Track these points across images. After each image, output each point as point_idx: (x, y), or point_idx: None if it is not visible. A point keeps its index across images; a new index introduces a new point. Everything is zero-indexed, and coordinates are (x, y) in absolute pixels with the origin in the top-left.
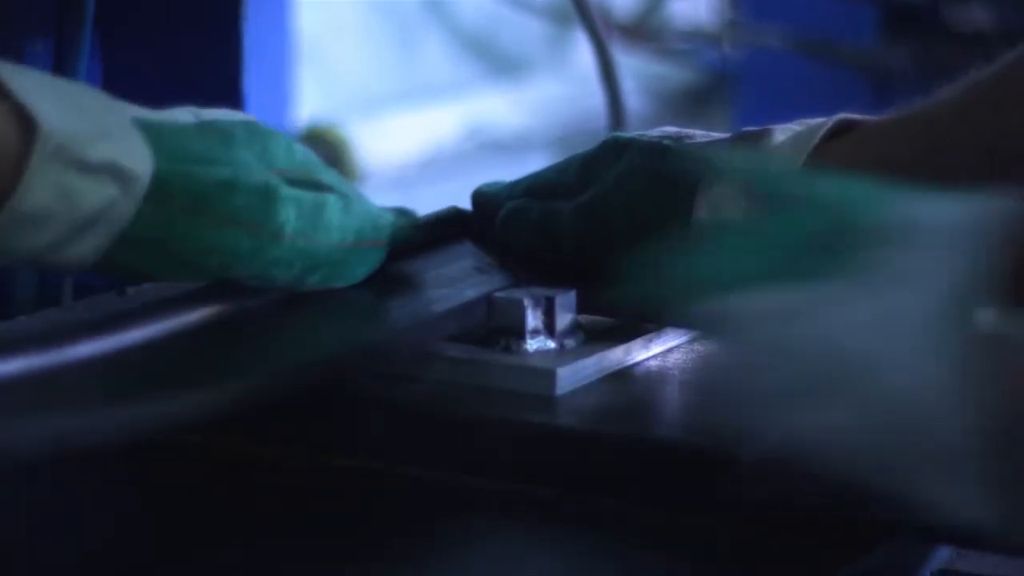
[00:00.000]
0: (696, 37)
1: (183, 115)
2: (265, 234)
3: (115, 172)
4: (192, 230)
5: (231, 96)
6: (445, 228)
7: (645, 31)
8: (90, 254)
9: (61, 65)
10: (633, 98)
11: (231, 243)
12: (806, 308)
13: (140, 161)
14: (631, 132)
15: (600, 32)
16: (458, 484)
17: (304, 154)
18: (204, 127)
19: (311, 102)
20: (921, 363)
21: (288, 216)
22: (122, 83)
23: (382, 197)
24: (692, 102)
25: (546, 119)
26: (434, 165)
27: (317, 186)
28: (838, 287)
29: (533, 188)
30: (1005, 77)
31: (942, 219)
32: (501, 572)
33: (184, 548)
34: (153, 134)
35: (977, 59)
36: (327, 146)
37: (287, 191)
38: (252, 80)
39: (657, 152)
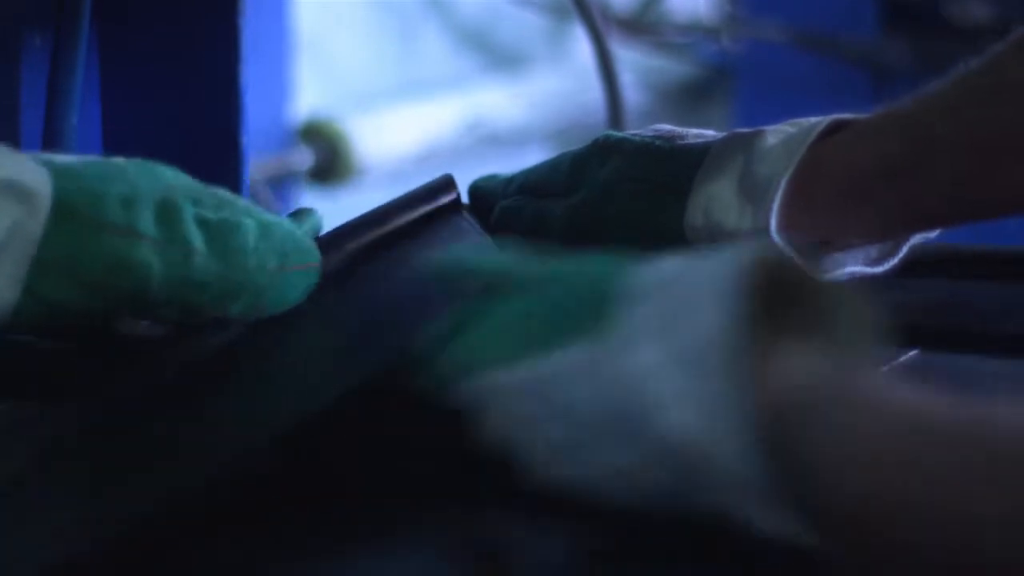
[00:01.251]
0: (695, 31)
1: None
2: (174, 251)
3: (14, 191)
4: (100, 247)
5: (229, 90)
6: (439, 197)
7: (643, 25)
8: (7, 288)
9: (59, 59)
10: (632, 92)
11: (140, 259)
12: (569, 371)
13: (37, 179)
14: (624, 131)
15: (599, 26)
16: (454, 476)
17: (204, 185)
18: (89, 160)
19: (309, 96)
20: (686, 402)
21: (193, 231)
22: (120, 78)
23: (381, 191)
24: (691, 96)
25: (545, 113)
26: (433, 159)
27: (226, 210)
28: (595, 348)
29: (526, 186)
30: (996, 70)
31: (680, 274)
32: (499, 565)
33: (178, 541)
34: (42, 161)
35: (976, 53)
36: (325, 140)
37: (190, 207)
38: (250, 74)
39: (645, 156)
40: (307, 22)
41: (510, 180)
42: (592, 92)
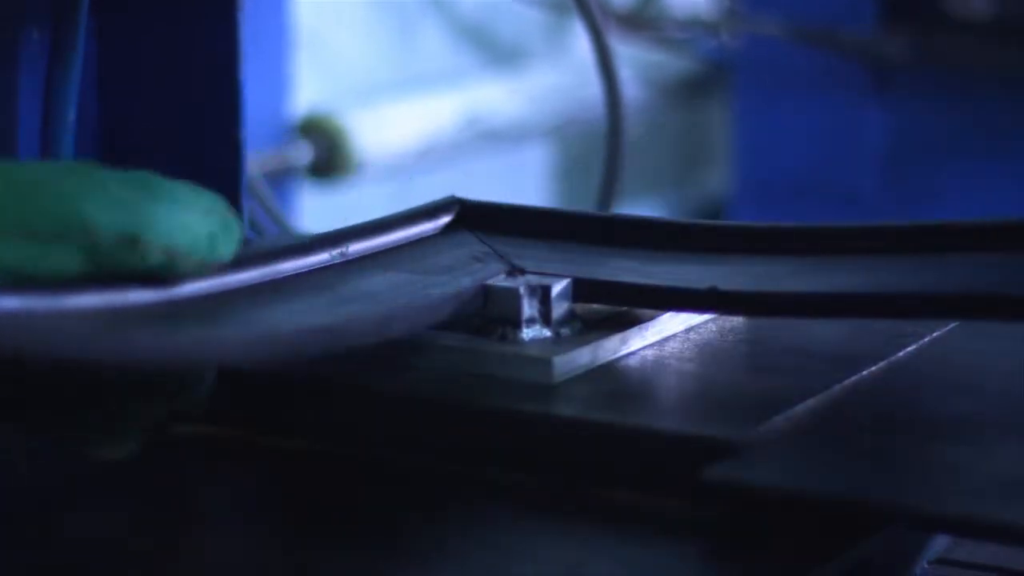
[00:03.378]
0: (694, 26)
1: None
2: None
3: None
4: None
5: (228, 84)
6: (442, 217)
7: (643, 20)
8: None
9: (57, 52)
10: (631, 87)
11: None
12: None
13: None
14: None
15: (598, 22)
16: (453, 473)
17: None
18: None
19: (309, 91)
20: None
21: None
22: (118, 71)
23: (380, 186)
24: (690, 91)
25: (544, 108)
26: (432, 154)
27: None
28: None
29: None
30: None
31: None
32: (496, 563)
33: (181, 538)
34: None
35: (976, 48)
36: (324, 135)
37: None
38: (249, 69)
39: None
40: (306, 17)
41: None
42: (591, 88)
